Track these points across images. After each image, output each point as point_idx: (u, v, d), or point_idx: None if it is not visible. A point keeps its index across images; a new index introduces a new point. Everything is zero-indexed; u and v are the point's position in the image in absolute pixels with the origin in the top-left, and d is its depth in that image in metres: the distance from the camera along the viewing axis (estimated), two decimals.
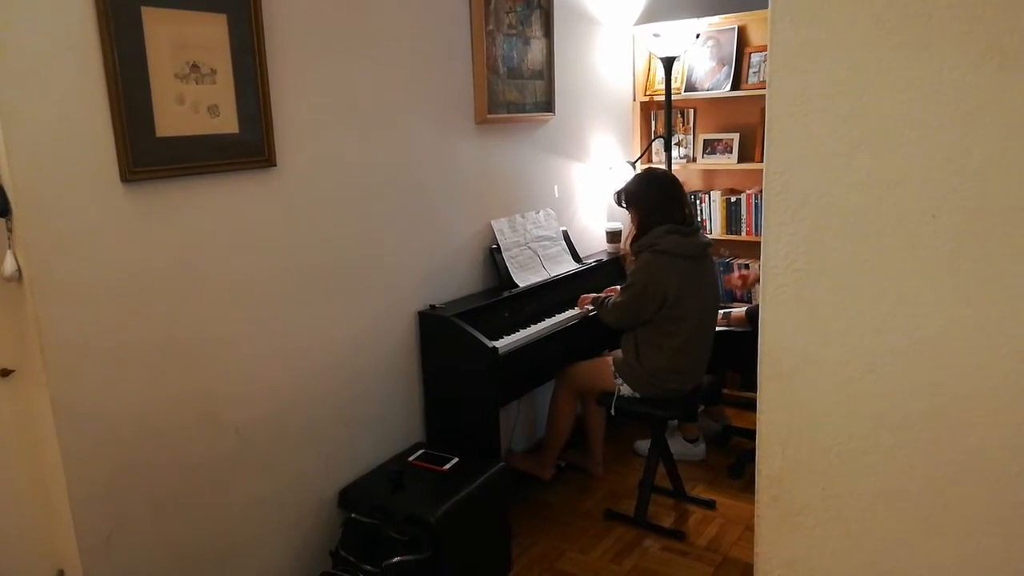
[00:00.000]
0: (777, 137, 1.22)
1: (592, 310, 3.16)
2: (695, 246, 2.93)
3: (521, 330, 2.98)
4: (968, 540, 1.18)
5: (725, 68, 3.85)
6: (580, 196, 3.82)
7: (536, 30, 3.32)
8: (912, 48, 1.09)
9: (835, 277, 1.22)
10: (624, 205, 3.11)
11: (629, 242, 3.08)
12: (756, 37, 3.81)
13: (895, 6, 1.09)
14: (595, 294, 3.23)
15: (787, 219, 1.24)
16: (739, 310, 3.47)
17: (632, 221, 3.08)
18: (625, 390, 3.00)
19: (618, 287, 3.37)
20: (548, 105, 3.44)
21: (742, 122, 3.89)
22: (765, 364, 1.32)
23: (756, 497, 1.38)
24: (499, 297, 3.04)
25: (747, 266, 3.88)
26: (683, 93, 3.96)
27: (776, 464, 1.33)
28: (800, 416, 1.30)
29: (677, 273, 2.88)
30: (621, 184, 3.20)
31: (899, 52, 1.10)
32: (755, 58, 3.78)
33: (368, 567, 2.32)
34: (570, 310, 3.21)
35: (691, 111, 4.04)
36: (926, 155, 1.10)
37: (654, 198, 2.99)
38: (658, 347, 2.92)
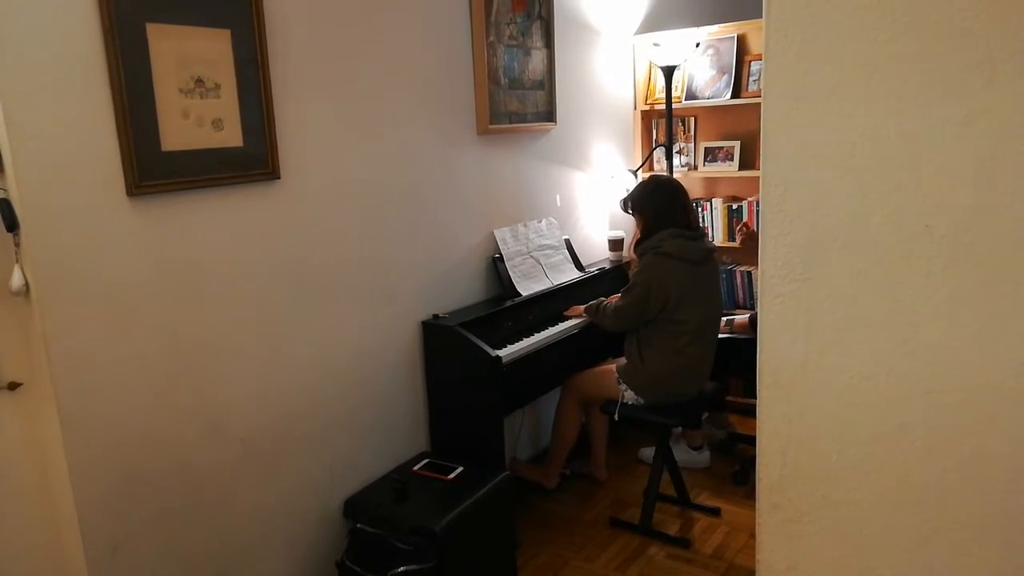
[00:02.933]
0: (773, 149, 1.23)
1: (585, 316, 3.17)
2: (699, 251, 2.95)
3: (525, 339, 2.99)
4: (965, 546, 1.19)
5: (725, 76, 3.87)
6: (582, 205, 3.83)
7: (537, 41, 3.34)
8: (904, 61, 1.11)
9: (832, 287, 1.23)
10: (630, 211, 3.14)
11: (633, 246, 3.11)
12: (755, 45, 3.83)
13: (888, 20, 1.11)
14: (586, 304, 3.22)
15: (784, 230, 1.25)
16: (742, 317, 3.48)
17: (637, 226, 3.10)
18: (629, 396, 3.01)
19: (618, 294, 3.38)
20: (549, 115, 3.46)
21: (743, 130, 3.90)
22: (764, 373, 1.33)
23: (757, 505, 1.39)
24: (502, 306, 3.06)
25: (750, 274, 3.88)
26: (684, 102, 3.98)
27: (776, 472, 1.34)
28: (799, 424, 1.31)
29: (679, 276, 2.89)
30: (626, 191, 3.22)
31: (892, 65, 1.12)
32: (755, 66, 3.80)
33: None
34: (574, 319, 3.22)
35: (692, 119, 4.06)
36: (919, 166, 1.12)
37: (660, 204, 3.02)
38: (661, 350, 2.93)
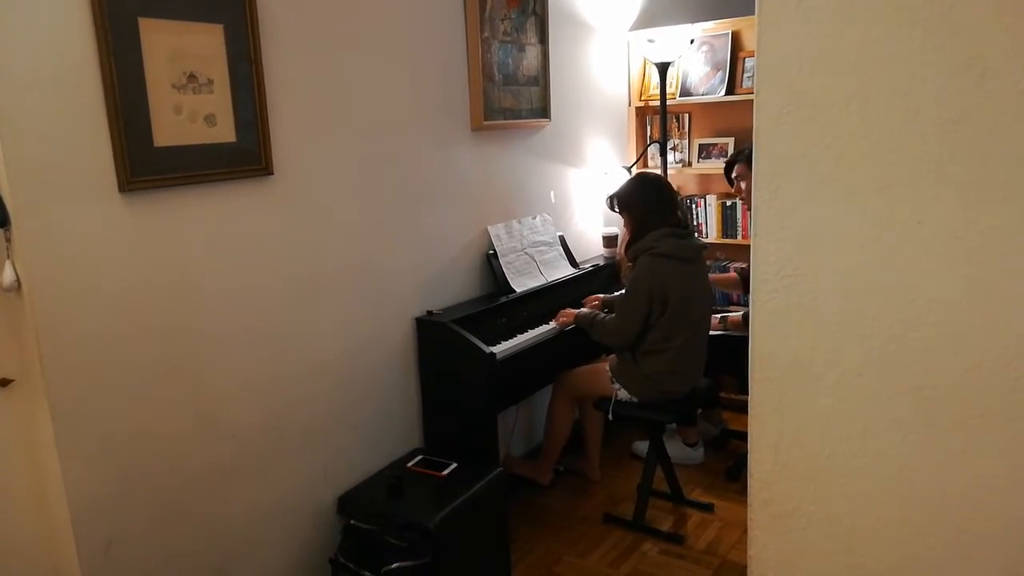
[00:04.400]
0: (765, 146, 1.24)
1: (571, 324, 3.09)
2: (692, 248, 2.94)
3: (519, 335, 2.99)
4: (957, 541, 1.20)
5: (719, 73, 3.87)
6: (576, 201, 3.84)
7: (531, 37, 3.34)
8: (896, 58, 1.11)
9: (824, 283, 1.24)
10: (617, 210, 3.11)
11: (625, 247, 3.07)
12: (750, 42, 3.83)
13: (880, 17, 1.11)
14: (575, 310, 3.14)
15: (776, 226, 1.26)
16: (736, 314, 3.48)
17: (625, 225, 3.08)
18: (623, 394, 3.01)
19: (600, 295, 3.36)
20: (544, 111, 3.46)
21: (737, 126, 3.91)
22: (756, 369, 1.34)
23: (748, 500, 1.39)
24: (496, 303, 3.05)
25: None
26: (678, 98, 3.98)
27: (767, 467, 1.35)
28: (791, 420, 1.31)
29: (677, 276, 2.87)
30: (613, 189, 3.21)
31: (884, 62, 1.12)
32: (749, 63, 3.80)
33: (367, 574, 2.33)
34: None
35: (686, 116, 4.06)
36: (910, 163, 1.12)
37: (648, 201, 2.99)
38: (655, 350, 2.93)
